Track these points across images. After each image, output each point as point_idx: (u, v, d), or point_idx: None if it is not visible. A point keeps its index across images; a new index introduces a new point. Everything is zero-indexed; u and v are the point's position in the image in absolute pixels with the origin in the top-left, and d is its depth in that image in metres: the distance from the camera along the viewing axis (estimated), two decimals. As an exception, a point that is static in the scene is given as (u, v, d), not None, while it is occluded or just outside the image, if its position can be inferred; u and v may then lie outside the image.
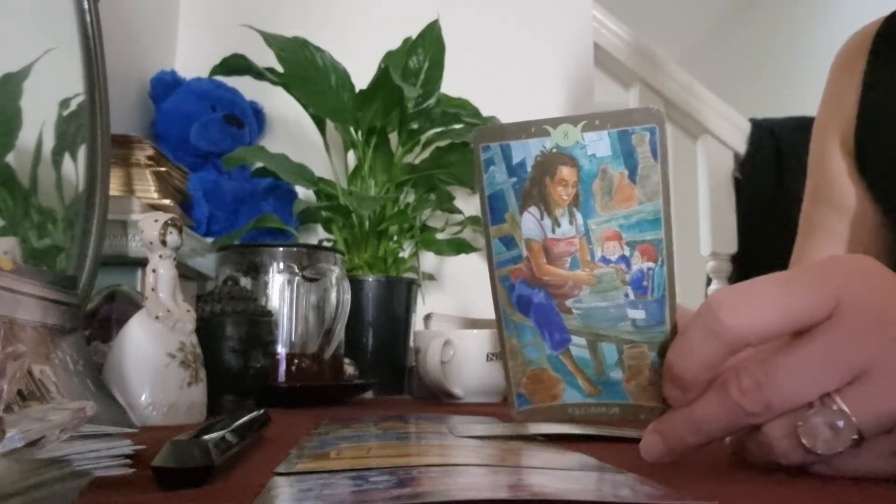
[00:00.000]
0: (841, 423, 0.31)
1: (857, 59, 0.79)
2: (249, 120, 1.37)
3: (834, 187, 0.80)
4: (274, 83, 1.25)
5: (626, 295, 0.34)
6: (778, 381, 0.31)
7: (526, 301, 0.36)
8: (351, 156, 1.35)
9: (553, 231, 0.35)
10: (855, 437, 0.31)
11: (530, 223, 0.35)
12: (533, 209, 0.35)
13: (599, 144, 0.33)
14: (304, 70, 1.22)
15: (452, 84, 1.31)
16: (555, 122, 0.34)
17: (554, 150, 0.34)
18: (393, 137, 1.30)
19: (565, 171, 0.34)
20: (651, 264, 0.34)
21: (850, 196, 0.79)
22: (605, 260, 0.34)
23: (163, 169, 0.95)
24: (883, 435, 0.32)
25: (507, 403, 0.38)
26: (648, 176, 0.33)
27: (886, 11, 0.80)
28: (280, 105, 1.40)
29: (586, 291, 0.35)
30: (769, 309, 0.31)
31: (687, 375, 0.33)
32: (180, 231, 0.63)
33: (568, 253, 0.35)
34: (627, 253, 0.34)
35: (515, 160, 0.34)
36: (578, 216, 0.34)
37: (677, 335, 0.33)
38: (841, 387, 0.31)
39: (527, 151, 0.34)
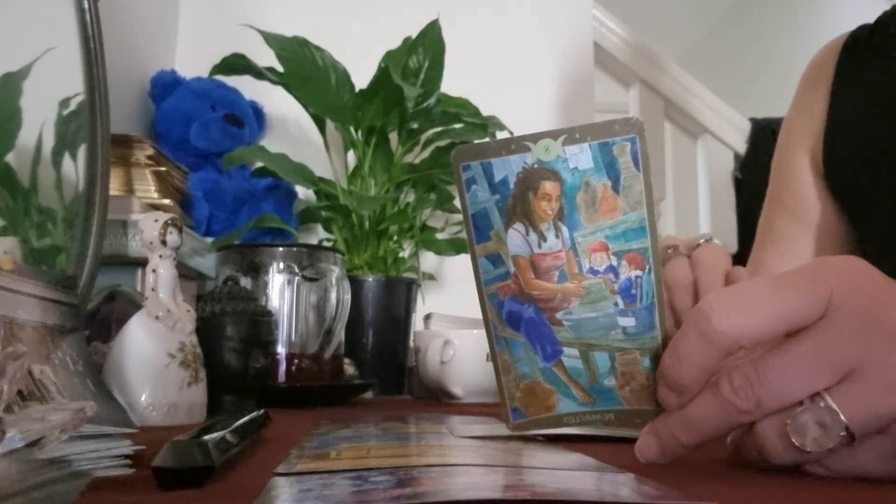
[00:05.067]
0: (829, 420, 0.31)
1: (825, 71, 0.81)
2: (249, 120, 1.37)
3: (798, 197, 0.82)
4: (274, 83, 1.25)
5: (616, 304, 0.35)
6: (769, 379, 0.31)
7: (516, 317, 0.36)
8: (351, 155, 1.35)
9: (539, 246, 0.35)
10: (843, 433, 0.31)
11: (516, 240, 0.35)
12: (518, 225, 0.35)
13: (581, 157, 0.33)
14: (304, 70, 1.22)
15: (452, 84, 1.31)
16: (535, 138, 0.34)
17: (535, 166, 0.34)
18: (393, 137, 1.30)
19: (548, 186, 0.34)
20: (639, 272, 0.34)
21: (811, 206, 0.81)
22: (593, 271, 0.34)
23: (163, 169, 0.95)
24: (878, 435, 0.32)
25: (502, 417, 0.38)
26: (631, 186, 0.33)
27: (886, 8, 0.81)
28: (280, 105, 1.40)
29: (576, 303, 0.35)
30: (761, 312, 0.32)
31: (683, 380, 0.33)
32: (180, 231, 0.63)
33: (555, 267, 0.35)
34: (615, 263, 0.34)
35: (497, 178, 0.34)
36: (564, 230, 0.34)
37: (672, 340, 0.34)
38: (831, 385, 0.31)
39: (508, 168, 0.34)
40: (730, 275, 0.51)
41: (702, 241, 0.54)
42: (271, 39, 1.21)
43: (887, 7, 0.80)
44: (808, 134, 0.81)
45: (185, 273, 0.90)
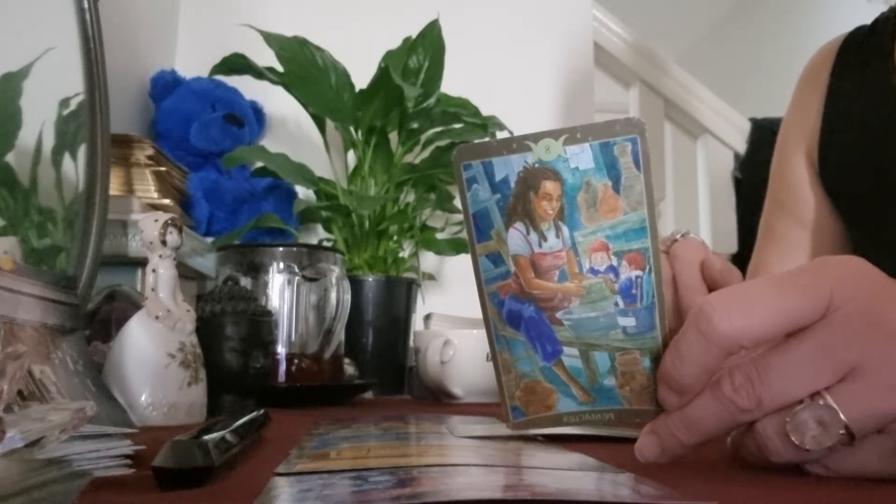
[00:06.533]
0: (828, 419, 0.31)
1: (822, 72, 0.82)
2: (249, 119, 1.36)
3: (796, 198, 0.82)
4: (274, 83, 1.25)
5: (616, 304, 0.35)
6: (769, 378, 0.32)
7: (516, 316, 0.36)
8: (351, 155, 1.35)
9: (540, 245, 0.35)
10: (842, 432, 0.31)
11: (517, 239, 0.35)
12: (518, 225, 0.35)
13: (582, 157, 0.33)
14: (304, 69, 1.22)
15: (452, 84, 1.31)
16: (536, 138, 0.34)
17: (536, 165, 0.34)
18: (393, 137, 1.30)
19: (549, 186, 0.34)
20: (639, 272, 0.34)
21: (810, 207, 0.81)
22: (594, 271, 0.35)
23: (163, 169, 0.95)
24: (878, 434, 0.32)
25: (502, 416, 0.38)
26: (632, 186, 0.33)
27: (883, 9, 0.81)
28: (280, 105, 1.40)
29: (576, 303, 0.35)
30: (762, 312, 0.32)
31: (684, 380, 0.33)
32: (180, 231, 0.63)
33: (556, 266, 0.35)
34: (615, 263, 0.34)
35: (498, 177, 0.34)
36: (564, 229, 0.34)
37: (672, 340, 0.34)
38: (832, 384, 0.31)
39: (509, 168, 0.34)
40: (705, 264, 0.51)
41: (678, 236, 0.54)
42: (271, 39, 1.21)
43: (885, 9, 0.80)
44: (805, 135, 0.82)
45: (185, 273, 0.90)
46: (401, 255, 1.33)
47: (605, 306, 0.35)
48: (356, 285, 1.09)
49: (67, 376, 0.51)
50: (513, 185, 0.34)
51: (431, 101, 1.27)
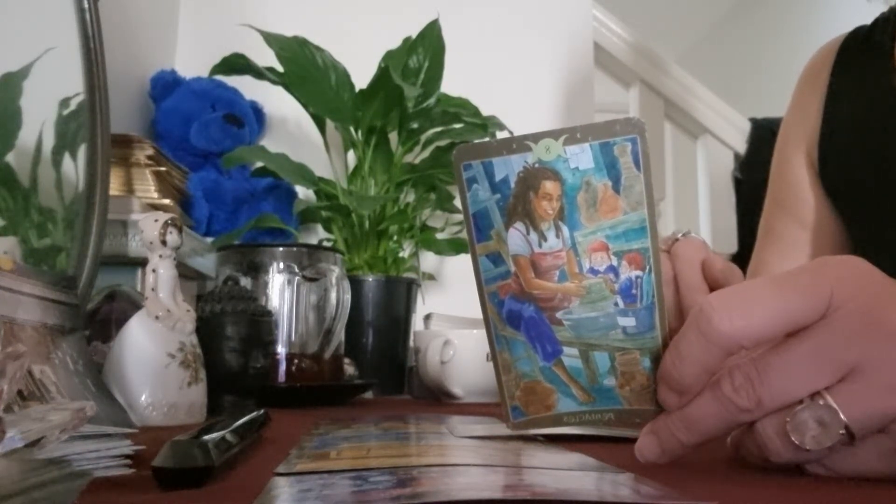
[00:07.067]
0: (828, 419, 0.31)
1: (822, 73, 0.82)
2: (249, 119, 1.36)
3: (796, 198, 0.82)
4: (274, 83, 1.25)
5: (616, 304, 0.35)
6: (769, 378, 0.32)
7: (516, 316, 0.36)
8: (351, 155, 1.35)
9: (540, 245, 0.35)
10: (842, 432, 0.31)
11: (517, 239, 0.35)
12: (518, 225, 0.35)
13: (582, 157, 0.33)
14: (304, 69, 1.22)
15: (452, 84, 1.31)
16: (536, 138, 0.34)
17: (536, 165, 0.34)
18: (393, 137, 1.30)
19: (549, 186, 0.34)
20: (639, 272, 0.34)
21: (810, 207, 0.81)
22: (594, 271, 0.35)
23: (163, 168, 0.95)
24: (878, 434, 0.32)
25: (502, 416, 0.38)
26: (632, 186, 0.33)
27: (883, 10, 0.81)
28: (280, 105, 1.40)
29: (576, 303, 0.35)
30: (762, 312, 0.32)
31: (684, 380, 0.33)
32: (180, 231, 0.63)
33: (556, 266, 0.35)
34: (615, 263, 0.34)
35: (498, 177, 0.34)
36: (564, 229, 0.34)
37: (673, 340, 0.34)
38: (832, 384, 0.31)
39: (509, 168, 0.34)
40: (706, 263, 0.51)
41: (679, 235, 0.54)
42: (271, 39, 1.21)
43: (885, 9, 0.80)
44: (805, 135, 0.82)
45: (185, 273, 0.90)
46: (401, 255, 1.33)
47: (605, 306, 0.35)
48: (356, 285, 1.09)
49: (67, 376, 0.51)
50: (513, 185, 0.34)
51: (431, 101, 1.27)
